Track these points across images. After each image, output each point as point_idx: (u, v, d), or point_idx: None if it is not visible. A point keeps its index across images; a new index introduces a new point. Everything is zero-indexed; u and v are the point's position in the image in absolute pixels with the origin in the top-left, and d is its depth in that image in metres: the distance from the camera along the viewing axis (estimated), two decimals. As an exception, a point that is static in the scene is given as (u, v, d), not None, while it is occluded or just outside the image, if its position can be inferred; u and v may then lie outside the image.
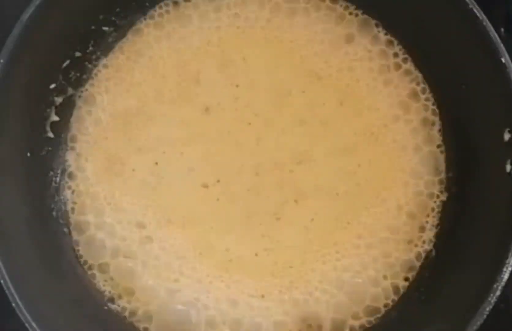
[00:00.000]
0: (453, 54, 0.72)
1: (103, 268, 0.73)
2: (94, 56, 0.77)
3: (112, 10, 0.77)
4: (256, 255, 0.69)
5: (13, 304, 0.62)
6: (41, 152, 0.74)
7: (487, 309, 0.63)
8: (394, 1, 0.75)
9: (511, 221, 0.65)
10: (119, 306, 0.73)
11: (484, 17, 0.67)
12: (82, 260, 0.74)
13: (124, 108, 0.76)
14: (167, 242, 0.73)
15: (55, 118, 0.75)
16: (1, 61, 0.66)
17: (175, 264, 0.72)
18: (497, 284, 0.63)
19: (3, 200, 0.67)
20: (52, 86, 0.74)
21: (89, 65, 0.77)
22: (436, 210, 0.74)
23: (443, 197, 0.74)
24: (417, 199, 0.74)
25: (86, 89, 0.77)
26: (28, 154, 0.72)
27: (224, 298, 0.70)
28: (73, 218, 0.74)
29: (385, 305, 0.72)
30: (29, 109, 0.72)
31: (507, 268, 0.63)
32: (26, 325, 0.62)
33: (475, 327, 0.63)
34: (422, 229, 0.74)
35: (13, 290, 0.63)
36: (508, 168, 0.67)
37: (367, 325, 0.72)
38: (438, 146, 0.75)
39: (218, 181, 0.71)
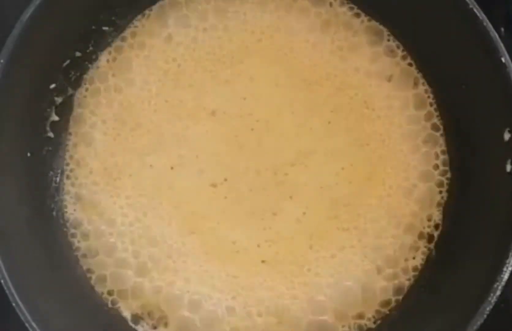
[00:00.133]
0: (453, 54, 0.72)
1: (103, 268, 0.73)
2: (94, 56, 0.77)
3: (112, 10, 0.77)
4: (258, 246, 0.72)
5: (13, 304, 0.62)
6: (41, 152, 0.74)
7: (487, 309, 0.63)
8: (394, 1, 0.75)
9: (511, 221, 0.65)
10: (120, 306, 0.73)
11: (484, 17, 0.67)
12: (82, 260, 0.74)
13: (124, 108, 0.76)
14: (172, 239, 0.73)
15: (55, 118, 0.75)
16: (1, 61, 0.66)
17: (179, 260, 0.72)
18: (497, 284, 0.63)
19: (3, 200, 0.67)
20: (52, 86, 0.74)
21: (89, 65, 0.77)
22: (436, 209, 0.74)
23: (443, 197, 0.74)
24: (417, 199, 0.74)
25: (86, 89, 0.77)
26: (28, 154, 0.72)
27: (233, 288, 0.72)
28: (73, 218, 0.74)
29: (386, 305, 0.73)
30: (29, 109, 0.72)
31: (507, 268, 0.63)
32: (26, 325, 0.62)
33: (475, 327, 0.63)
34: (422, 229, 0.74)
35: (13, 290, 0.63)
36: (508, 167, 0.67)
37: (366, 325, 0.72)
38: (438, 146, 0.75)
39: (226, 180, 0.73)
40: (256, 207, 0.73)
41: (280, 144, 0.74)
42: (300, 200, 0.73)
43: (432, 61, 0.75)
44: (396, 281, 0.73)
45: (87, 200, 0.75)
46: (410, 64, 0.77)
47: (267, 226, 0.73)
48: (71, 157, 0.76)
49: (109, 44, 0.78)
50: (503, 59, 0.66)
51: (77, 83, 0.76)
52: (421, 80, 0.76)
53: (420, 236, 0.74)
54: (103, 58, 0.77)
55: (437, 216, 0.74)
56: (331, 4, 0.78)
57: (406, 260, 0.73)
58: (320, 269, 0.72)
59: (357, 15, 0.78)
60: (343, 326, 0.72)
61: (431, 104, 0.76)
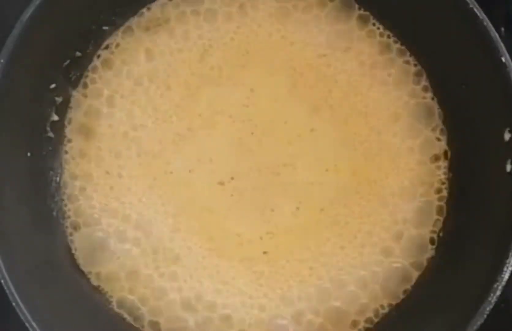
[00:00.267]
0: (453, 54, 0.72)
1: (103, 267, 0.73)
2: (94, 56, 0.77)
3: (113, 10, 0.77)
4: (261, 238, 0.74)
5: (13, 304, 0.62)
6: (41, 152, 0.74)
7: (487, 309, 0.63)
8: (394, 1, 0.75)
9: (511, 221, 0.65)
10: (120, 306, 0.73)
11: (484, 16, 0.67)
12: (82, 261, 0.74)
13: (125, 109, 0.76)
14: (176, 234, 0.73)
15: (55, 118, 0.75)
16: (1, 61, 0.66)
17: (184, 257, 0.73)
18: (497, 284, 0.63)
19: (3, 200, 0.67)
20: (52, 86, 0.74)
21: (89, 65, 0.77)
22: (436, 209, 0.74)
23: (443, 197, 0.74)
24: (417, 199, 0.74)
25: (87, 89, 0.77)
26: (28, 154, 0.72)
27: (240, 282, 0.73)
28: (73, 217, 0.74)
29: (385, 305, 0.73)
30: (29, 109, 0.72)
31: (507, 268, 0.63)
32: (26, 325, 0.62)
33: (475, 327, 0.63)
34: (422, 228, 0.74)
35: (13, 290, 0.63)
36: (508, 167, 0.67)
37: (367, 325, 0.72)
38: (438, 146, 0.75)
39: (232, 178, 0.75)
40: (258, 203, 0.74)
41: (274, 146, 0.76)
42: (293, 196, 0.75)
43: (432, 61, 0.75)
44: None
45: (88, 200, 0.74)
46: (409, 64, 0.77)
47: (267, 220, 0.74)
48: (71, 157, 0.76)
49: (109, 44, 0.77)
50: (503, 59, 0.66)
51: (77, 83, 0.76)
52: (421, 80, 0.76)
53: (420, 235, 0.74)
54: (103, 58, 0.77)
55: (437, 216, 0.74)
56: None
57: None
58: (317, 264, 0.73)
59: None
60: (342, 326, 0.72)
61: (430, 104, 0.76)
